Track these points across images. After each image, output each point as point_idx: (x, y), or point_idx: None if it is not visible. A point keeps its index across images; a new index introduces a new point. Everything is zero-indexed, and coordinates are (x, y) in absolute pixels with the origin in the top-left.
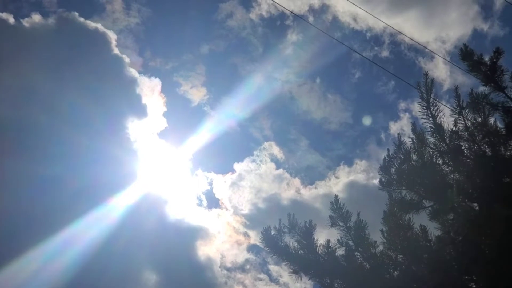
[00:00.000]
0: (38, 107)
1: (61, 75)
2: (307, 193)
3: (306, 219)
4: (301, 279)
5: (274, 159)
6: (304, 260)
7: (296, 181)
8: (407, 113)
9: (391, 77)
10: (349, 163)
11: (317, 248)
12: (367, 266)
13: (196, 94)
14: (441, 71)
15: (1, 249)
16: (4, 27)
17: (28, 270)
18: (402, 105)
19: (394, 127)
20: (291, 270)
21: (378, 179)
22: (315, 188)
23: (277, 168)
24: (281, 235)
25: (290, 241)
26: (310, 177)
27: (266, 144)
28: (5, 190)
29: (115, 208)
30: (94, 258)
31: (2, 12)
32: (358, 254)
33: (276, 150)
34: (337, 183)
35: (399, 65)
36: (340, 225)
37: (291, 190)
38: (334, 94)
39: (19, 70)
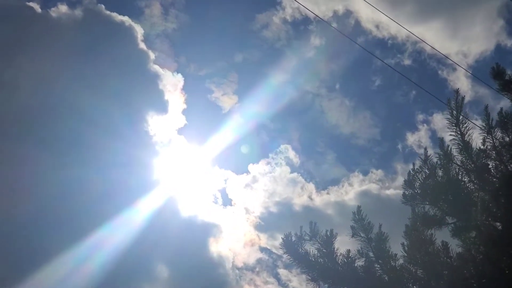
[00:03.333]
0: (60, 97)
1: (85, 66)
2: (319, 199)
3: (317, 224)
4: (319, 287)
5: (289, 163)
6: (323, 269)
7: (310, 186)
8: (425, 125)
9: (411, 86)
10: (364, 172)
11: (337, 258)
12: (386, 278)
13: (227, 101)
14: (462, 83)
15: (30, 254)
16: (30, 15)
17: (58, 274)
18: (421, 116)
19: (411, 138)
20: (310, 278)
21: (389, 190)
22: (328, 193)
23: (292, 172)
24: (301, 242)
25: (311, 248)
26: (324, 182)
27: (282, 147)
28: (32, 194)
29: (136, 209)
30: (121, 261)
31: (29, 2)
32: (378, 266)
33: (292, 154)
34: (350, 191)
35: (420, 75)
36: (361, 236)
37: (304, 194)
38: (354, 102)
39: (42, 59)
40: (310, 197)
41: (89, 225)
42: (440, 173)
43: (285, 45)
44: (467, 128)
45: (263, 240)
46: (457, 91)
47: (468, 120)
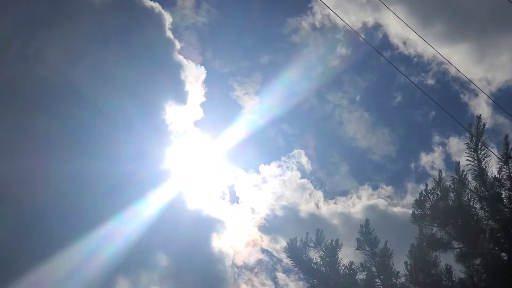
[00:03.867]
0: (78, 80)
1: (109, 48)
2: (326, 208)
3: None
4: None
5: (300, 168)
6: (324, 277)
7: (319, 194)
8: (440, 147)
9: (431, 107)
10: (374, 186)
11: (339, 268)
12: None
13: (248, 101)
14: (483, 109)
15: (42, 244)
16: None
17: (69, 264)
18: (437, 138)
19: (425, 159)
20: (309, 285)
21: (396, 207)
22: (335, 203)
23: (302, 178)
24: (306, 249)
25: (314, 256)
26: (332, 192)
27: (295, 151)
28: (45, 186)
29: (146, 201)
30: (132, 252)
31: None
32: (379, 281)
33: (304, 160)
34: (357, 203)
35: (442, 96)
36: (366, 249)
37: (312, 201)
38: (374, 117)
39: (68, 37)
40: (317, 205)
41: (100, 217)
42: (452, 196)
43: (311, 52)
44: (485, 155)
45: (266, 241)
46: (479, 117)
47: (487, 147)
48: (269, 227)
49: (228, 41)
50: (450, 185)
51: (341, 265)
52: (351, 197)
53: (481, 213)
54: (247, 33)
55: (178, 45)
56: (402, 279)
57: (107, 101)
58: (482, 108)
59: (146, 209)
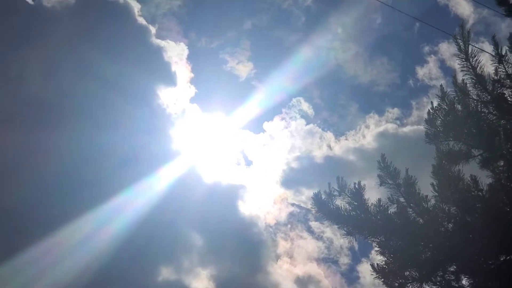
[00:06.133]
0: (67, 83)
1: (86, 50)
2: (339, 147)
3: (341, 174)
4: (355, 240)
5: (304, 115)
6: (357, 221)
7: (328, 135)
8: (432, 56)
9: (410, 19)
10: (380, 112)
11: (368, 208)
12: (421, 221)
13: (243, 69)
14: (464, 8)
15: (54, 214)
16: (24, 9)
17: (80, 235)
18: (427, 48)
19: (421, 72)
20: (345, 232)
21: (406, 127)
22: (346, 139)
23: (307, 124)
24: (331, 199)
25: (341, 203)
26: (340, 129)
27: (294, 100)
28: (58, 158)
29: (159, 175)
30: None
31: None
32: (411, 210)
33: (305, 106)
34: (367, 133)
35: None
36: (389, 183)
37: (323, 144)
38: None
39: (45, 49)
40: (329, 146)
41: (112, 189)
42: (459, 108)
43: (291, 4)
44: (478, 61)
45: (290, 195)
46: (462, 25)
47: (476, 48)
48: (289, 180)
49: (207, 17)
50: (454, 97)
51: (369, 204)
52: (360, 129)
53: (490, 116)
54: (224, 4)
55: (153, 29)
56: (432, 201)
57: (95, 100)
58: (463, 6)
59: (160, 186)
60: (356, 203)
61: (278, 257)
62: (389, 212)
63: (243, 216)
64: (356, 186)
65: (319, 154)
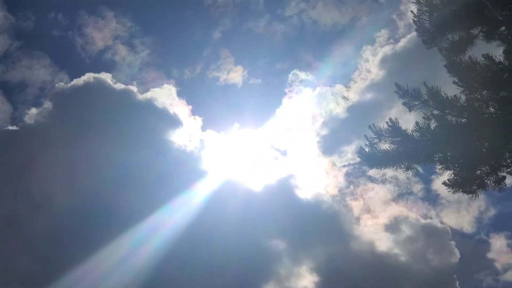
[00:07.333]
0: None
1: (88, 146)
2: (352, 93)
3: (367, 116)
4: (417, 171)
5: (306, 84)
6: (407, 152)
7: (338, 87)
8: None
9: None
10: (371, 42)
11: (412, 135)
12: (463, 120)
13: (235, 76)
14: None
15: (92, 235)
16: (11, 137)
17: (118, 255)
18: None
19: None
20: (404, 168)
21: (403, 39)
22: (355, 82)
23: (314, 89)
24: (375, 147)
25: (385, 146)
26: (345, 76)
27: (290, 75)
28: (96, 179)
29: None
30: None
31: (7, 127)
32: (449, 116)
33: (303, 76)
34: (370, 66)
35: None
36: (416, 104)
37: (338, 97)
38: None
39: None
40: (344, 97)
41: (148, 208)
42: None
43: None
44: None
45: (337, 160)
46: None
47: None
48: (328, 147)
49: (177, 49)
50: None
51: (410, 132)
52: (362, 67)
53: None
54: (187, 29)
55: (133, 88)
56: (463, 97)
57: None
58: None
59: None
60: (398, 138)
61: (358, 218)
62: (432, 127)
63: (307, 201)
64: (390, 124)
65: (339, 109)
